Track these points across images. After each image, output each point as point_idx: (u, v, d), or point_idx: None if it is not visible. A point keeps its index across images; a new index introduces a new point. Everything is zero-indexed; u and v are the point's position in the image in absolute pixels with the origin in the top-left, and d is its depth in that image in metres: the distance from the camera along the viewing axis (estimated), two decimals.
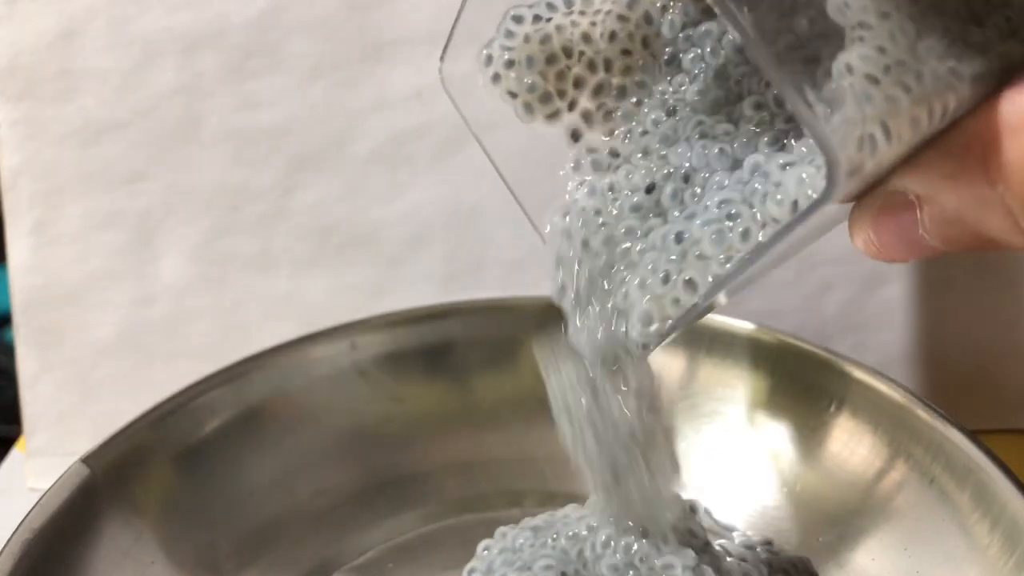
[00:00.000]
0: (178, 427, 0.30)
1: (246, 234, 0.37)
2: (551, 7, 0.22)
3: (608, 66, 0.23)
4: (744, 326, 0.33)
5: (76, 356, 0.38)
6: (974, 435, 0.28)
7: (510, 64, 0.22)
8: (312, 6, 0.35)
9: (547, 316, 0.25)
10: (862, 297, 0.37)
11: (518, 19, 0.22)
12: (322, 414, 0.33)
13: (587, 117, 0.23)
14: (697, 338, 0.33)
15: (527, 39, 0.22)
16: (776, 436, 0.32)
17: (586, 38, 0.22)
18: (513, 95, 0.23)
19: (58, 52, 0.35)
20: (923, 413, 0.29)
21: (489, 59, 0.22)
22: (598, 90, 0.23)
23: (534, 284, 0.38)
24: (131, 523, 0.28)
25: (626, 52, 0.23)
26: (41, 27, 0.35)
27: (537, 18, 0.22)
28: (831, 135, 0.15)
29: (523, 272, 0.38)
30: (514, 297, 0.35)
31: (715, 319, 0.33)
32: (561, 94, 0.23)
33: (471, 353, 0.34)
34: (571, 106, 0.23)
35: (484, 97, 0.23)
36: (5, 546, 0.25)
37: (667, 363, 0.34)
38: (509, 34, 0.22)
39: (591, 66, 0.23)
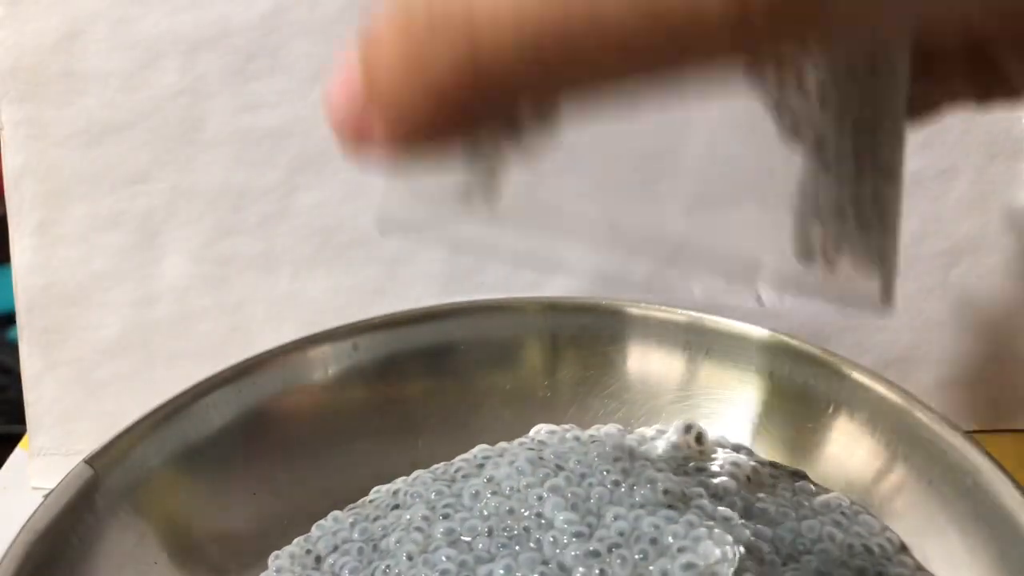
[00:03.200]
0: (181, 427, 0.30)
1: (248, 235, 0.37)
2: None
3: None
4: (743, 327, 0.33)
5: (79, 356, 0.38)
6: (972, 436, 0.28)
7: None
8: (314, 8, 0.35)
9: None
10: None
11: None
12: (324, 414, 0.33)
13: None
14: (697, 339, 0.33)
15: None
16: (775, 437, 0.32)
17: None
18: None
19: (61, 54, 0.36)
20: (921, 414, 0.29)
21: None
22: None
23: (534, 284, 0.38)
24: (134, 524, 0.28)
25: None
26: (44, 29, 0.35)
27: None
28: None
29: (523, 272, 0.38)
30: (514, 297, 0.35)
31: (714, 320, 0.33)
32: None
33: (471, 353, 0.34)
34: None
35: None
36: (9, 548, 0.25)
37: (666, 364, 0.34)
38: None
39: None
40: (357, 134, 0.15)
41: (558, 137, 0.15)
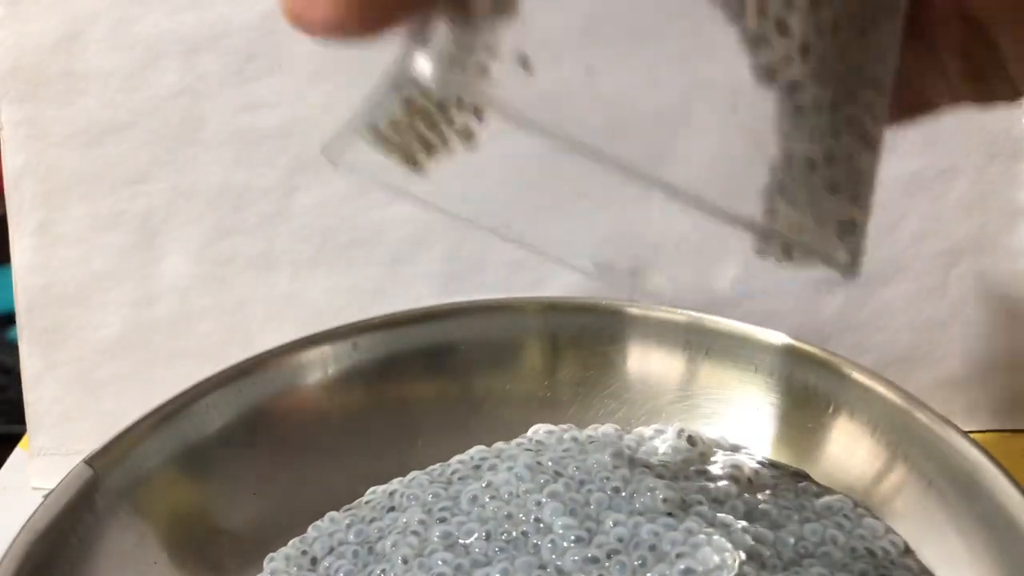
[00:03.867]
0: (181, 427, 0.30)
1: (248, 235, 0.37)
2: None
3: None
4: (743, 327, 0.33)
5: (79, 356, 0.38)
6: (972, 437, 0.28)
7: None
8: None
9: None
10: (860, 298, 0.38)
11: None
12: (324, 414, 0.33)
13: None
14: (697, 339, 0.33)
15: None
16: (775, 438, 0.32)
17: None
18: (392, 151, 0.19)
19: (61, 54, 0.36)
20: (921, 415, 0.29)
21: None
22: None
23: (534, 284, 0.38)
24: (134, 524, 0.28)
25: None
26: (44, 29, 0.35)
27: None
28: None
29: (523, 272, 0.38)
30: (514, 297, 0.35)
31: (714, 320, 0.33)
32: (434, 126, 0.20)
33: (471, 353, 0.34)
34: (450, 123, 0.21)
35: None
36: (9, 549, 0.25)
37: (666, 364, 0.34)
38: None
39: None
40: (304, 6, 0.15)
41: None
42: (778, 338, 0.32)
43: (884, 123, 0.18)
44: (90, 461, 0.28)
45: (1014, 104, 0.20)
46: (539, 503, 0.27)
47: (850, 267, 0.17)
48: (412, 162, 0.20)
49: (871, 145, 0.18)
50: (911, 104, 0.20)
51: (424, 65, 0.15)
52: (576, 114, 0.15)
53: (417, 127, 0.20)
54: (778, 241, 0.17)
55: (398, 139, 0.20)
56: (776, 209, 0.17)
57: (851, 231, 0.17)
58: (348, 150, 0.19)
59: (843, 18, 0.17)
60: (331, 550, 0.28)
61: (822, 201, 0.17)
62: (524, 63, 0.15)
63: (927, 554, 0.28)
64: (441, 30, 0.15)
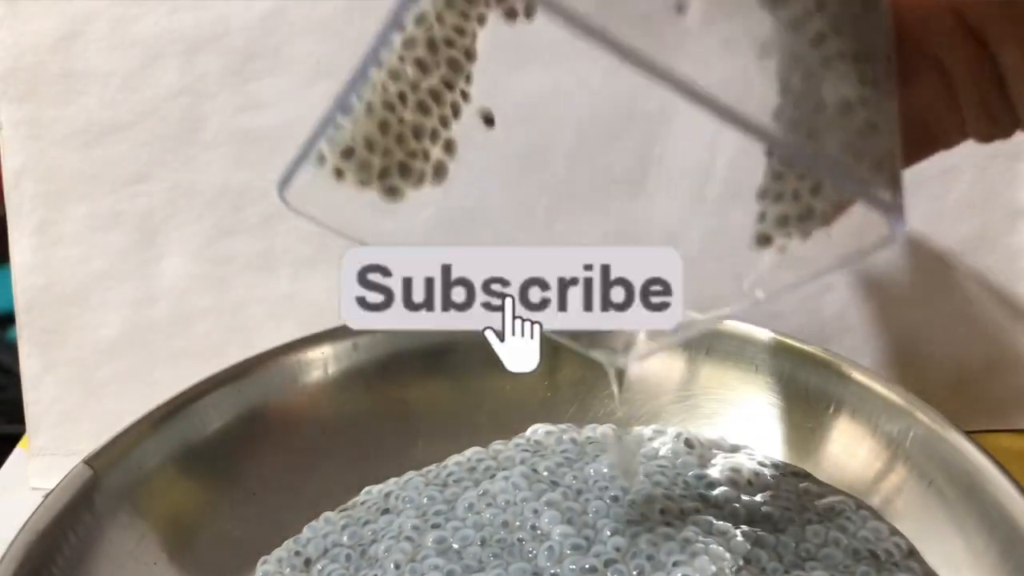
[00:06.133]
0: (180, 427, 0.30)
1: (248, 235, 0.37)
2: (364, 78, 0.19)
3: (437, 96, 0.20)
4: (744, 327, 0.33)
5: (79, 356, 0.38)
6: (972, 437, 0.28)
7: (347, 153, 0.20)
8: (313, 8, 0.35)
9: None
10: (861, 298, 0.37)
11: (344, 108, 0.19)
12: (323, 415, 0.33)
13: (447, 153, 0.21)
14: (697, 339, 0.33)
15: (355, 120, 0.20)
16: (775, 438, 0.32)
17: (395, 75, 0.20)
18: (364, 183, 0.20)
19: (60, 54, 0.36)
20: (922, 415, 0.29)
21: (321, 158, 0.20)
22: (443, 125, 0.21)
23: None
24: (133, 524, 0.28)
25: (452, 63, 0.20)
26: (43, 29, 0.35)
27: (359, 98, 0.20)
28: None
29: None
30: None
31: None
32: (413, 155, 0.20)
33: (471, 354, 0.34)
34: (425, 156, 0.21)
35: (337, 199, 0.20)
36: (8, 549, 0.25)
37: (667, 364, 0.34)
38: (336, 124, 0.20)
39: (421, 107, 0.20)
40: None
41: None
42: (779, 338, 0.32)
43: (895, 89, 0.19)
44: (90, 461, 0.28)
45: (1012, 136, 0.20)
46: (536, 511, 0.27)
47: (892, 205, 0.17)
48: (390, 190, 0.20)
49: (891, 96, 0.18)
50: (923, 141, 0.21)
51: None
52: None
53: (392, 149, 0.20)
54: (824, 173, 0.18)
55: (376, 160, 0.20)
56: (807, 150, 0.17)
57: (890, 166, 0.18)
58: (303, 180, 0.20)
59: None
60: (325, 551, 0.28)
61: (858, 141, 0.17)
62: None
63: (927, 554, 0.28)
64: None
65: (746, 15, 0.17)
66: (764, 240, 0.20)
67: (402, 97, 0.20)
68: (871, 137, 0.18)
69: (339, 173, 0.20)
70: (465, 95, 0.20)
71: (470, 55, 0.20)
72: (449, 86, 0.20)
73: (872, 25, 0.18)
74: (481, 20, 0.20)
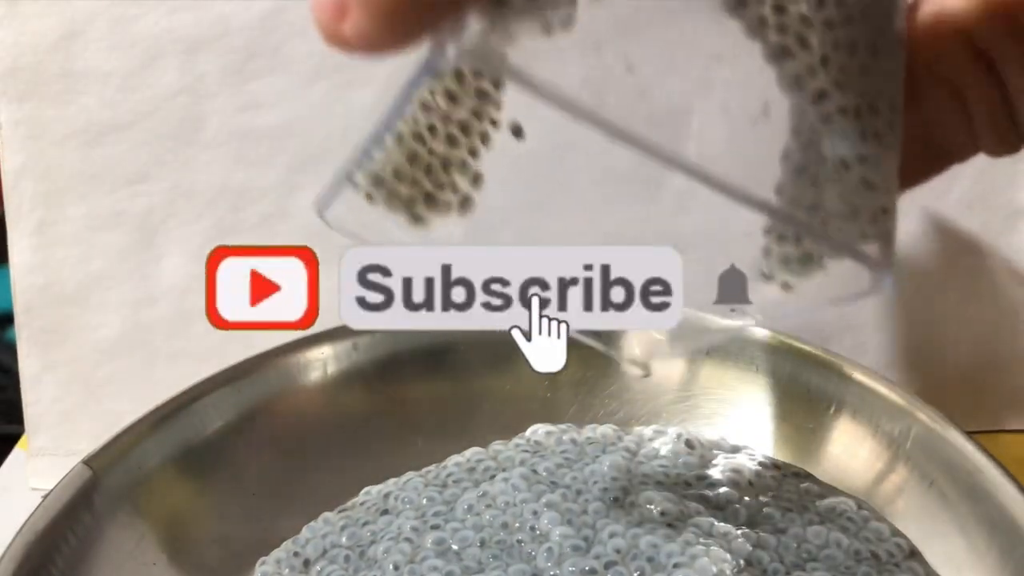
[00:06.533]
0: (180, 427, 0.30)
1: (248, 235, 0.37)
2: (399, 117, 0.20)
3: (465, 129, 0.21)
4: (744, 327, 0.33)
5: (78, 356, 0.38)
6: (973, 437, 0.28)
7: (377, 181, 0.21)
8: None
9: None
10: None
11: (376, 139, 0.20)
12: (323, 415, 0.33)
13: (474, 186, 0.21)
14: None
15: (386, 150, 0.20)
16: (776, 438, 0.32)
17: (426, 107, 0.20)
18: (392, 209, 0.21)
19: (60, 53, 0.35)
20: (923, 415, 0.29)
21: (355, 183, 0.21)
22: (471, 155, 0.21)
23: None
24: (133, 524, 0.28)
25: (481, 93, 0.20)
26: (43, 28, 0.35)
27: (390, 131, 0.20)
28: None
29: None
30: None
31: (715, 320, 0.33)
32: (440, 186, 0.21)
33: (471, 353, 0.34)
34: (453, 189, 0.21)
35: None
36: (7, 549, 0.25)
37: (667, 364, 0.34)
38: (367, 153, 0.20)
39: (450, 139, 0.21)
40: (336, 14, 0.15)
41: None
42: (779, 338, 0.32)
43: (899, 138, 0.19)
44: (89, 461, 0.28)
45: (1015, 153, 0.21)
46: (536, 512, 0.27)
47: (879, 261, 0.17)
48: (415, 217, 0.21)
49: (893, 149, 0.19)
50: (938, 156, 0.21)
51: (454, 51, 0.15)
52: (603, 99, 0.16)
53: (420, 179, 0.21)
54: (803, 232, 0.18)
55: (403, 190, 0.20)
56: (803, 202, 0.17)
57: (883, 221, 0.18)
58: (340, 201, 0.20)
59: (858, 37, 0.18)
60: (324, 552, 0.28)
61: (855, 197, 0.18)
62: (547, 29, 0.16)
63: (929, 554, 0.27)
64: (472, 27, 0.15)
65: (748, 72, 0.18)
66: (768, 277, 0.21)
67: (431, 129, 0.20)
68: (867, 193, 0.18)
69: (370, 197, 0.21)
70: (495, 123, 0.21)
71: (498, 83, 0.20)
72: (478, 116, 0.21)
73: (883, 71, 0.18)
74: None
